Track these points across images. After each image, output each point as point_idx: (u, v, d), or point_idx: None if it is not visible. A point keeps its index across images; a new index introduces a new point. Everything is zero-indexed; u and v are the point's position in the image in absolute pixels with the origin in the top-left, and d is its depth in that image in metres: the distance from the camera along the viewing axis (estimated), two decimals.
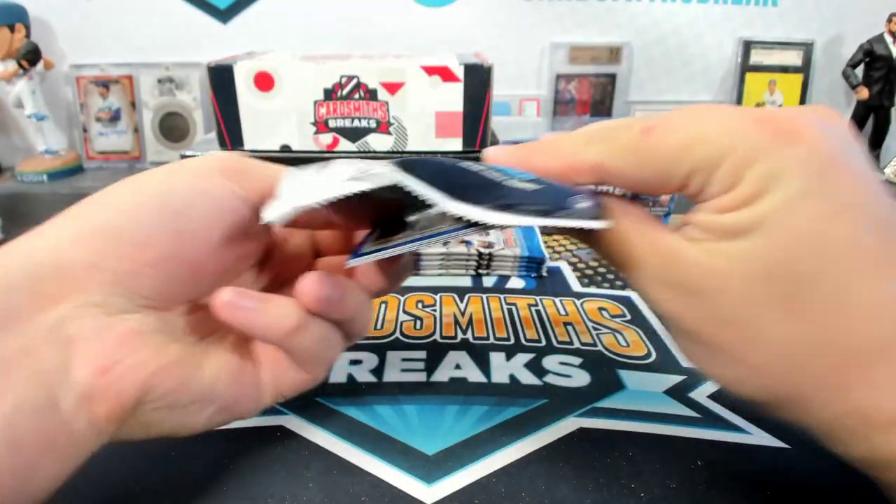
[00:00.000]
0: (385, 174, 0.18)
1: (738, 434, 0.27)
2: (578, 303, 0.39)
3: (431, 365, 0.32)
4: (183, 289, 0.20)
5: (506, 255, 0.43)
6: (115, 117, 0.78)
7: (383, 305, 0.38)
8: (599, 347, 0.34)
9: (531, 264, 0.43)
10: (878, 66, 0.74)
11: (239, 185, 0.21)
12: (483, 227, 0.19)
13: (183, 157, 0.49)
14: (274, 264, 0.25)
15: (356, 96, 0.47)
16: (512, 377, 0.31)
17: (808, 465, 0.25)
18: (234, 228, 0.21)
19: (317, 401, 0.28)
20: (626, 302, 0.40)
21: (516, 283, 0.42)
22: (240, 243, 0.22)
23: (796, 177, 0.16)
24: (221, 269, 0.21)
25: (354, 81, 0.47)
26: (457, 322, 0.36)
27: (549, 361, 0.32)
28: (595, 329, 0.36)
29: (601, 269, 0.45)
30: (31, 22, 0.74)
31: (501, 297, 0.40)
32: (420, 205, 0.18)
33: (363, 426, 0.27)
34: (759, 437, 0.26)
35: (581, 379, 0.31)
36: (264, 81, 0.47)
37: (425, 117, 0.48)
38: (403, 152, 0.49)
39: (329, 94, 0.47)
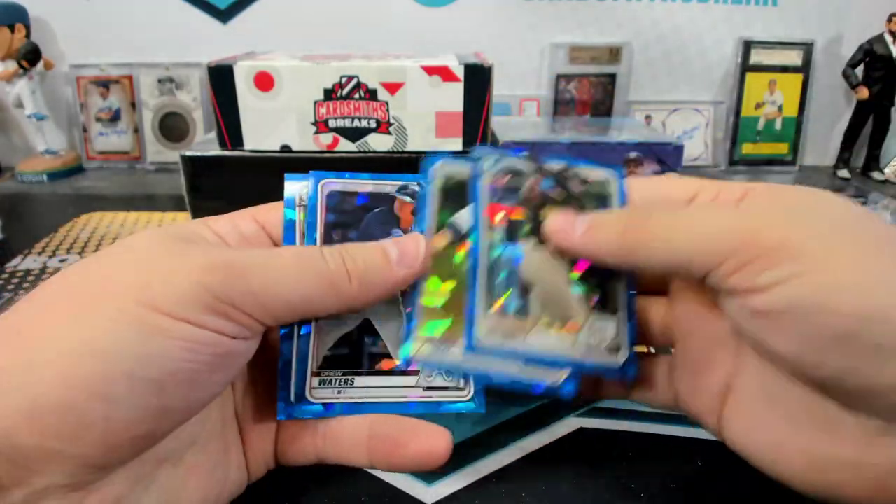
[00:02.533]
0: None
1: None
2: None
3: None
4: (159, 446, 0.18)
5: None
6: (115, 117, 0.78)
7: None
8: None
9: None
10: (878, 66, 0.74)
11: (233, 319, 0.17)
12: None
13: (183, 157, 0.49)
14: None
15: (356, 96, 0.47)
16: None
17: None
18: (228, 377, 0.19)
19: None
20: None
21: None
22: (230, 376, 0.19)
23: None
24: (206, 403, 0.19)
25: (354, 81, 0.47)
26: None
27: None
28: None
29: None
30: (31, 22, 0.74)
31: None
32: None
33: None
34: None
35: None
36: (264, 81, 0.47)
37: (425, 117, 0.48)
38: (403, 152, 0.49)
39: (329, 94, 0.47)
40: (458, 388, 0.22)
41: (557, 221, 0.21)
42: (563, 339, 0.20)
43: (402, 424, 0.21)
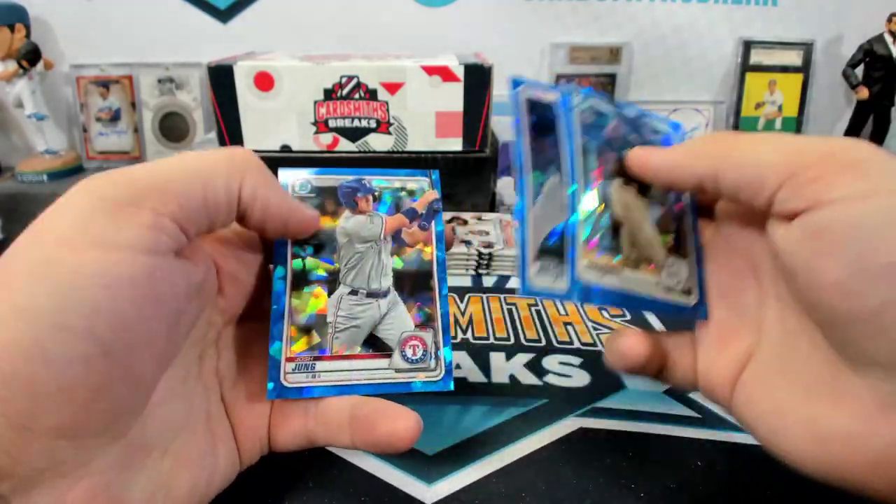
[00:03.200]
0: None
1: (738, 434, 0.27)
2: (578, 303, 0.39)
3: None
4: (144, 433, 0.17)
5: (506, 255, 0.43)
6: (115, 117, 0.78)
7: None
8: (599, 347, 0.34)
9: None
10: (878, 66, 0.74)
11: (193, 257, 0.18)
12: None
13: None
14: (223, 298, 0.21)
15: (356, 96, 0.47)
16: (512, 377, 0.31)
17: None
18: (176, 316, 0.18)
19: None
20: None
21: (516, 282, 0.42)
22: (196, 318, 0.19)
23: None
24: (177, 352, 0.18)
25: (354, 81, 0.47)
26: (457, 322, 0.36)
27: (549, 361, 0.32)
28: (595, 329, 0.36)
29: None
30: (31, 22, 0.74)
31: (501, 297, 0.40)
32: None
33: None
34: None
35: (581, 379, 0.31)
36: (264, 81, 0.47)
37: (425, 117, 0.48)
38: (403, 152, 0.49)
39: (329, 94, 0.47)
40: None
41: (638, 151, 0.21)
42: (648, 278, 0.21)
43: (376, 405, 0.21)
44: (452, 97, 0.47)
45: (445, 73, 0.47)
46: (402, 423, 0.21)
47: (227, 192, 0.19)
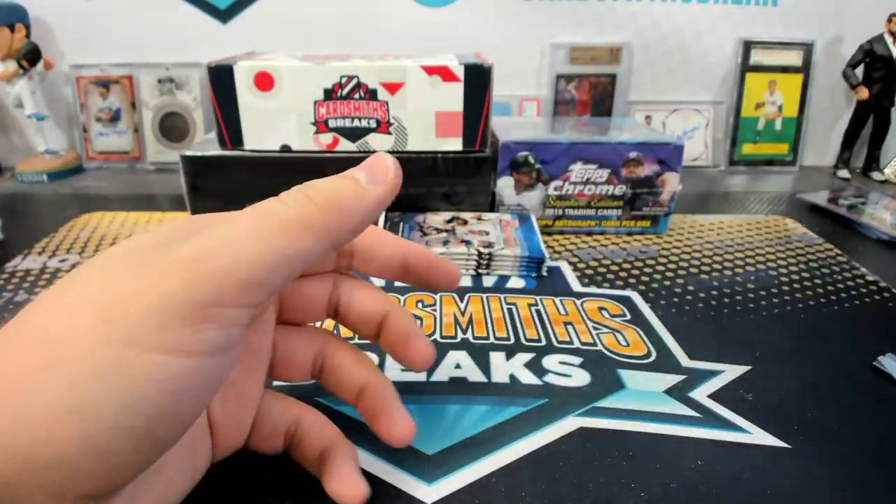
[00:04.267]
0: None
1: (738, 434, 0.27)
2: (578, 302, 0.39)
3: (431, 365, 0.32)
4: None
5: (506, 254, 0.43)
6: (115, 117, 0.78)
7: None
8: (599, 347, 0.34)
9: (531, 264, 0.43)
10: (878, 66, 0.74)
11: (213, 319, 0.16)
12: None
13: (183, 157, 0.49)
14: None
15: (356, 96, 0.47)
16: (512, 377, 0.31)
17: (807, 465, 0.25)
18: (222, 381, 0.17)
19: (317, 401, 0.28)
20: (626, 301, 0.40)
21: (516, 282, 0.42)
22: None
23: None
24: None
25: (354, 81, 0.47)
26: (457, 322, 0.36)
27: (549, 361, 0.32)
28: (595, 328, 0.36)
29: (601, 269, 0.45)
30: (31, 22, 0.73)
31: (501, 296, 0.40)
32: None
33: (363, 426, 0.27)
34: (759, 436, 0.26)
35: (581, 378, 0.31)
36: (264, 81, 0.47)
37: (425, 117, 0.48)
38: (403, 152, 0.49)
39: (329, 94, 0.47)
40: None
41: None
42: None
43: (386, 396, 0.23)
44: (452, 97, 0.47)
45: (445, 73, 0.47)
46: (401, 429, 0.23)
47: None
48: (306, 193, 0.18)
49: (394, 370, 0.31)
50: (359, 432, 0.26)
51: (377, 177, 0.19)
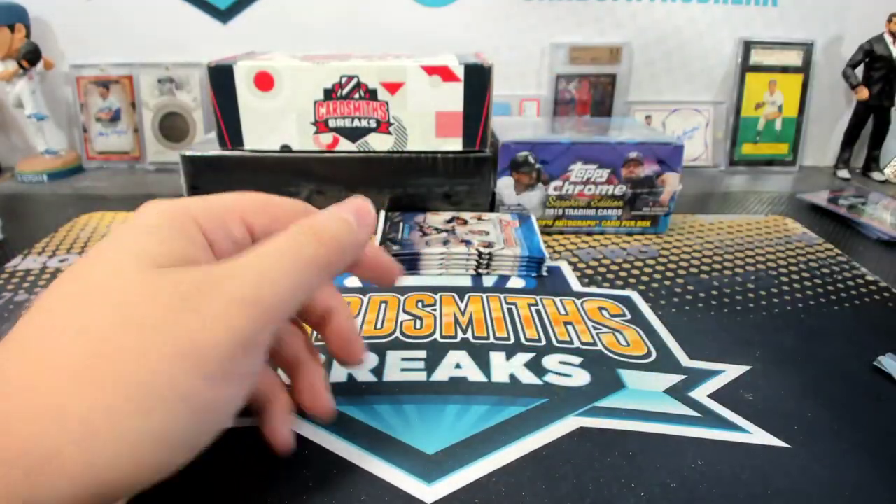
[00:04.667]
0: None
1: (738, 433, 0.27)
2: (578, 302, 0.39)
3: (431, 364, 0.32)
4: None
5: (506, 254, 0.43)
6: (115, 117, 0.78)
7: (383, 305, 0.38)
8: (599, 347, 0.34)
9: (531, 264, 0.43)
10: (878, 66, 0.74)
11: (263, 344, 0.19)
12: None
13: (183, 157, 0.49)
14: None
15: (356, 96, 0.47)
16: (512, 377, 0.31)
17: (808, 465, 0.25)
18: None
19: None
20: (626, 301, 0.40)
21: (516, 282, 0.42)
22: None
23: None
24: None
25: (354, 81, 0.47)
26: (457, 321, 0.36)
27: (549, 361, 0.32)
28: (595, 328, 0.36)
29: (601, 269, 0.45)
30: (31, 22, 0.73)
31: (501, 296, 0.40)
32: None
33: (363, 426, 0.27)
34: (759, 436, 0.26)
35: (581, 378, 0.31)
36: (264, 81, 0.47)
37: (425, 117, 0.48)
38: (403, 152, 0.49)
39: (329, 94, 0.47)
40: None
41: None
42: None
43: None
44: (452, 97, 0.47)
45: (445, 73, 0.47)
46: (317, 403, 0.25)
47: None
48: (317, 234, 0.20)
49: (394, 370, 0.31)
50: (359, 433, 0.26)
51: (363, 220, 0.22)
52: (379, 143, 0.49)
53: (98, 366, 0.15)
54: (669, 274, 0.44)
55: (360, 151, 0.50)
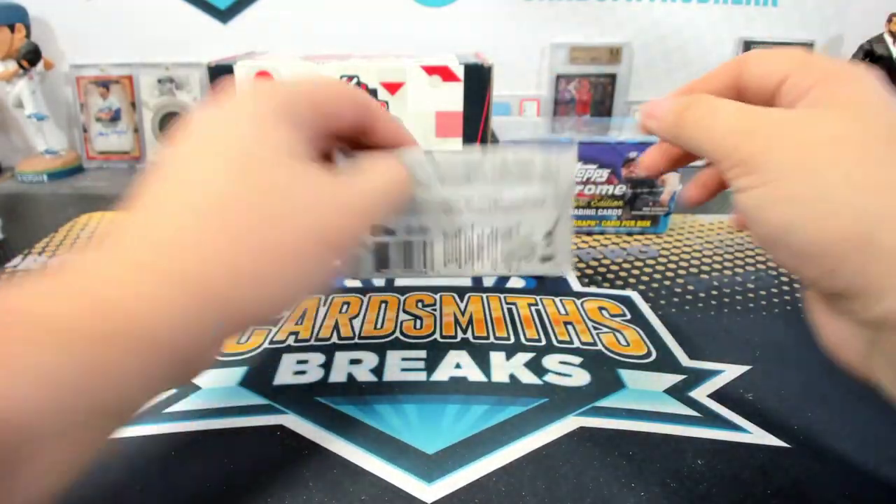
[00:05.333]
0: None
1: (738, 433, 0.27)
2: (578, 302, 0.39)
3: (431, 364, 0.32)
4: None
5: None
6: (115, 117, 0.78)
7: (383, 305, 0.38)
8: (599, 347, 0.34)
9: None
10: (878, 67, 0.74)
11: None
12: None
13: None
14: None
15: None
16: (512, 376, 0.31)
17: (808, 465, 0.25)
18: None
19: (317, 401, 0.28)
20: (626, 301, 0.40)
21: (516, 282, 0.42)
22: None
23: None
24: None
25: (354, 81, 0.47)
26: (457, 321, 0.36)
27: (550, 361, 0.32)
28: (595, 328, 0.36)
29: (601, 269, 0.45)
30: (31, 22, 0.73)
31: (501, 296, 0.40)
32: None
33: (363, 426, 0.27)
34: (759, 436, 0.26)
35: (581, 378, 0.31)
36: None
37: (425, 117, 0.48)
38: None
39: None
40: None
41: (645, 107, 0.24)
42: None
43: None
44: (452, 97, 0.47)
45: (445, 73, 0.47)
46: None
47: None
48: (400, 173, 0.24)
49: (394, 370, 0.31)
50: (359, 433, 0.26)
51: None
52: None
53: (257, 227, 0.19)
54: (669, 274, 0.44)
55: None
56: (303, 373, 0.31)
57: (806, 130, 0.18)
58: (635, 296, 0.40)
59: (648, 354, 0.33)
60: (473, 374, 0.31)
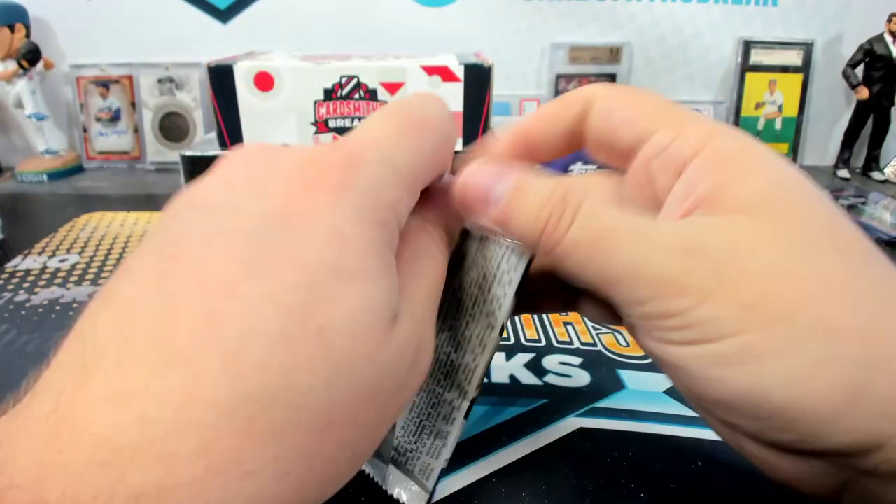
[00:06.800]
0: None
1: None
2: None
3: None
4: None
5: None
6: (115, 117, 0.78)
7: None
8: (599, 347, 0.34)
9: (531, 264, 0.43)
10: (878, 66, 0.74)
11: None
12: None
13: (183, 157, 0.49)
14: None
15: (356, 96, 0.47)
16: (512, 377, 0.31)
17: None
18: None
19: None
20: None
21: None
22: None
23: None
24: None
25: (354, 81, 0.47)
26: None
27: (549, 361, 0.32)
28: (595, 329, 0.36)
29: None
30: (31, 22, 0.73)
31: None
32: None
33: None
34: None
35: (581, 379, 0.31)
36: (264, 81, 0.47)
37: None
38: None
39: (329, 94, 0.47)
40: None
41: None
42: None
43: None
44: (452, 97, 0.47)
45: (445, 73, 0.47)
46: None
47: None
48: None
49: None
50: None
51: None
52: None
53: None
54: None
55: None
56: None
57: (753, 258, 0.14)
58: None
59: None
60: None
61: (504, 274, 0.19)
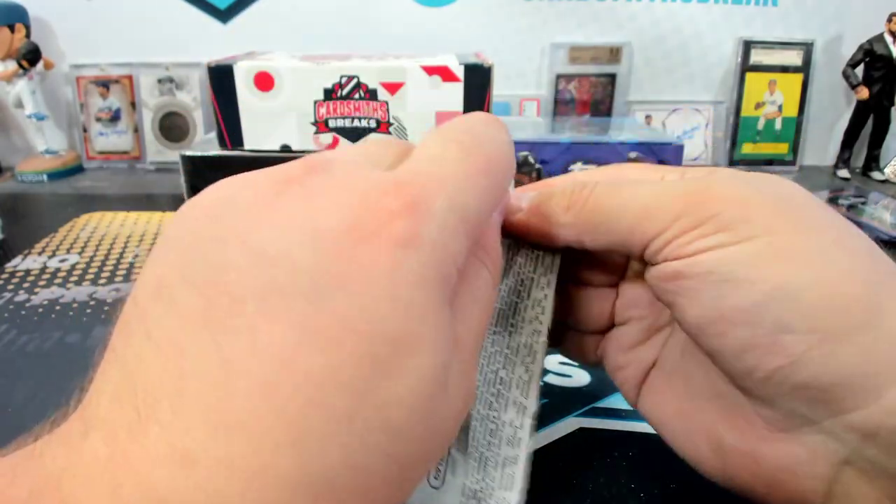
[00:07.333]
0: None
1: None
2: None
3: None
4: None
5: None
6: (115, 117, 0.78)
7: None
8: None
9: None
10: (878, 66, 0.74)
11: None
12: None
13: (183, 157, 0.49)
14: None
15: (356, 96, 0.47)
16: None
17: None
18: None
19: None
20: None
21: None
22: None
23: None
24: None
25: (354, 81, 0.47)
26: None
27: (549, 361, 0.32)
28: None
29: None
30: (31, 22, 0.73)
31: None
32: None
33: None
34: None
35: (581, 379, 0.31)
36: (264, 81, 0.47)
37: (425, 117, 0.48)
38: None
39: (329, 94, 0.47)
40: None
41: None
42: None
43: None
44: (452, 97, 0.47)
45: (445, 73, 0.47)
46: None
47: None
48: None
49: None
50: None
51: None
52: None
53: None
54: None
55: None
56: None
57: (773, 194, 0.16)
58: None
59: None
60: None
61: (541, 276, 0.19)
